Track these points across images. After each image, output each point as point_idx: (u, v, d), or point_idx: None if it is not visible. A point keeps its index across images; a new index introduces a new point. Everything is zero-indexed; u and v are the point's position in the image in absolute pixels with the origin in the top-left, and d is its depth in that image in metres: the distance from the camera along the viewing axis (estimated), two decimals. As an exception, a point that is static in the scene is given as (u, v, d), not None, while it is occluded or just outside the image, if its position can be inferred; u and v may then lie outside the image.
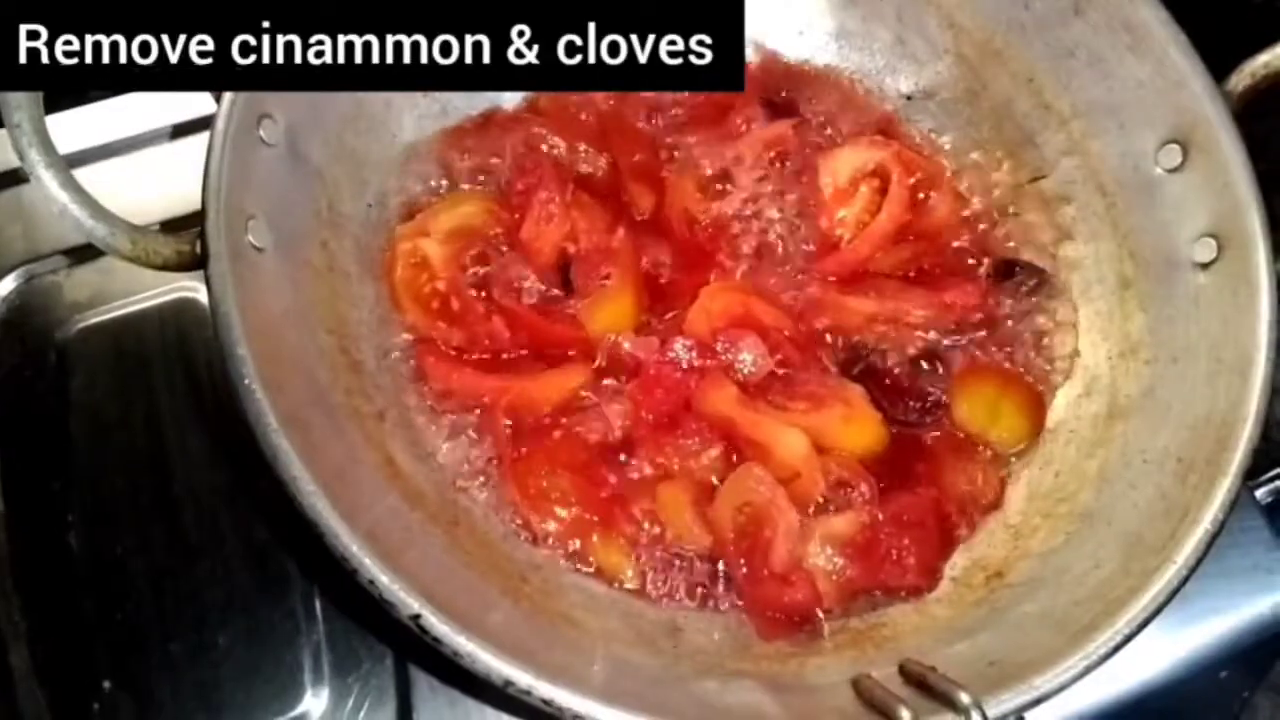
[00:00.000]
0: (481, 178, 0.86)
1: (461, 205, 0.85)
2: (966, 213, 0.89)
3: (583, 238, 0.84)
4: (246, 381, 0.60)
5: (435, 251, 0.81)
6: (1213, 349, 0.73)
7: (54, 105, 0.63)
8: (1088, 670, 0.60)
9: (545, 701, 0.56)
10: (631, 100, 0.91)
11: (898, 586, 0.75)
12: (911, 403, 0.81)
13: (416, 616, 0.57)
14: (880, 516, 0.76)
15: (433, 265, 0.81)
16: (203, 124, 0.68)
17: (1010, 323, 0.85)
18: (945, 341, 0.84)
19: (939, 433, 0.81)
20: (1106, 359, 0.81)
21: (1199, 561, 0.64)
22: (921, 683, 0.61)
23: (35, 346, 0.87)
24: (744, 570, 0.74)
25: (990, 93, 0.91)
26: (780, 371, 0.81)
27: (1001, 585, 0.73)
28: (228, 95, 0.68)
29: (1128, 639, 0.61)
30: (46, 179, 0.62)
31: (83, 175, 0.64)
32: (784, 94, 0.93)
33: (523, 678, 0.56)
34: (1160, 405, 0.75)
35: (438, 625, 0.57)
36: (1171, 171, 0.78)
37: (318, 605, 0.79)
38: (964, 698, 0.57)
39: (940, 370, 0.83)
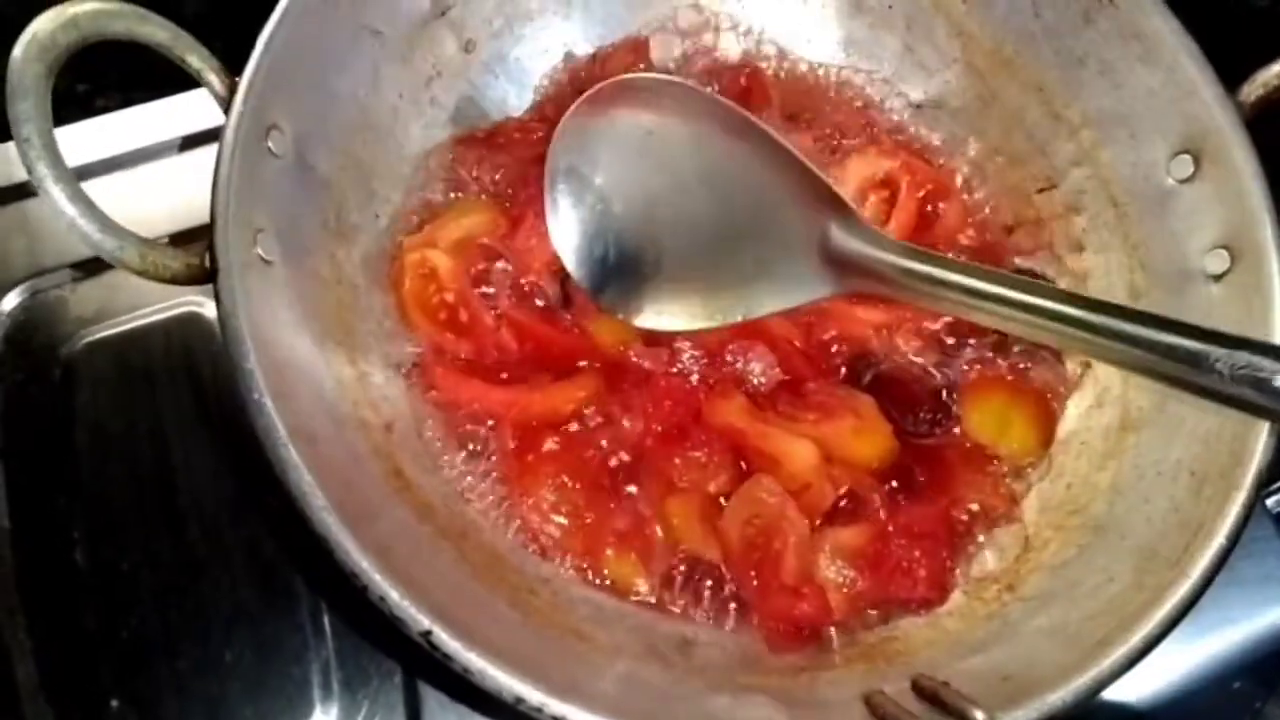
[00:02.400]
0: (490, 188, 0.86)
1: (469, 215, 0.84)
2: (975, 223, 0.88)
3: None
4: (256, 395, 0.60)
5: (443, 263, 0.81)
6: (1226, 361, 0.72)
7: (61, 118, 0.63)
8: (1102, 686, 0.60)
9: (556, 719, 0.55)
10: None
11: (908, 599, 0.75)
12: (921, 414, 0.81)
13: (427, 633, 0.56)
14: (890, 528, 0.75)
15: (441, 276, 0.81)
16: (210, 136, 0.68)
17: (1018, 339, 0.84)
18: (955, 352, 0.83)
19: (949, 444, 0.80)
20: (1118, 370, 0.81)
21: (1213, 576, 0.63)
22: (935, 698, 0.61)
23: (40, 362, 0.87)
24: (754, 583, 0.73)
25: (1000, 102, 0.90)
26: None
27: (1013, 598, 0.73)
28: (236, 107, 0.68)
29: (1143, 654, 0.61)
30: (55, 193, 0.61)
31: (90, 188, 0.63)
32: (795, 103, 0.93)
33: (534, 695, 0.56)
34: (1173, 418, 0.74)
35: (449, 642, 0.56)
36: (1183, 182, 0.77)
37: (326, 620, 0.78)
38: (978, 714, 0.56)
39: (950, 381, 0.82)
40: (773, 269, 0.77)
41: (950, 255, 0.81)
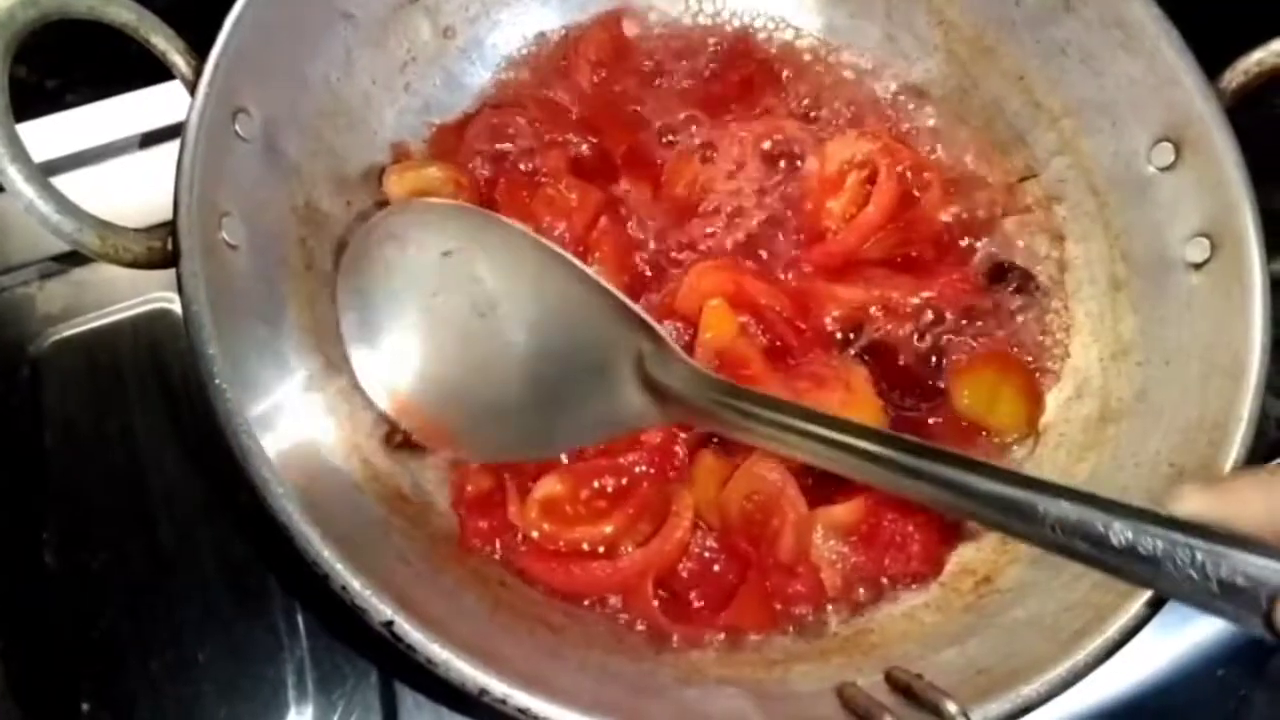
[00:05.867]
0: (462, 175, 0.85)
1: (428, 169, 0.83)
2: (955, 211, 0.87)
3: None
4: (217, 381, 0.59)
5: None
6: (1206, 351, 0.72)
7: (22, 114, 0.62)
8: (1077, 678, 0.59)
9: (521, 710, 0.54)
10: (619, 79, 0.91)
11: (902, 573, 0.74)
12: (910, 386, 0.80)
13: (389, 623, 0.55)
14: (881, 503, 0.74)
15: None
16: (173, 131, 0.67)
17: (999, 324, 0.83)
18: (943, 332, 0.82)
19: (938, 418, 0.80)
20: (1098, 361, 0.80)
21: (1191, 567, 0.62)
22: (908, 691, 0.60)
23: (7, 360, 0.85)
24: (749, 560, 0.72)
25: (980, 90, 0.90)
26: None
27: (990, 590, 0.72)
28: (202, 89, 0.66)
29: (1118, 646, 0.60)
30: (11, 173, 0.60)
31: (58, 184, 0.63)
32: (776, 87, 0.93)
33: (497, 686, 0.54)
34: (1152, 408, 0.74)
35: (411, 633, 0.55)
36: (1164, 170, 0.77)
37: (300, 620, 0.77)
38: (950, 707, 0.56)
39: (940, 355, 0.81)
40: (587, 401, 0.73)
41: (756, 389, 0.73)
